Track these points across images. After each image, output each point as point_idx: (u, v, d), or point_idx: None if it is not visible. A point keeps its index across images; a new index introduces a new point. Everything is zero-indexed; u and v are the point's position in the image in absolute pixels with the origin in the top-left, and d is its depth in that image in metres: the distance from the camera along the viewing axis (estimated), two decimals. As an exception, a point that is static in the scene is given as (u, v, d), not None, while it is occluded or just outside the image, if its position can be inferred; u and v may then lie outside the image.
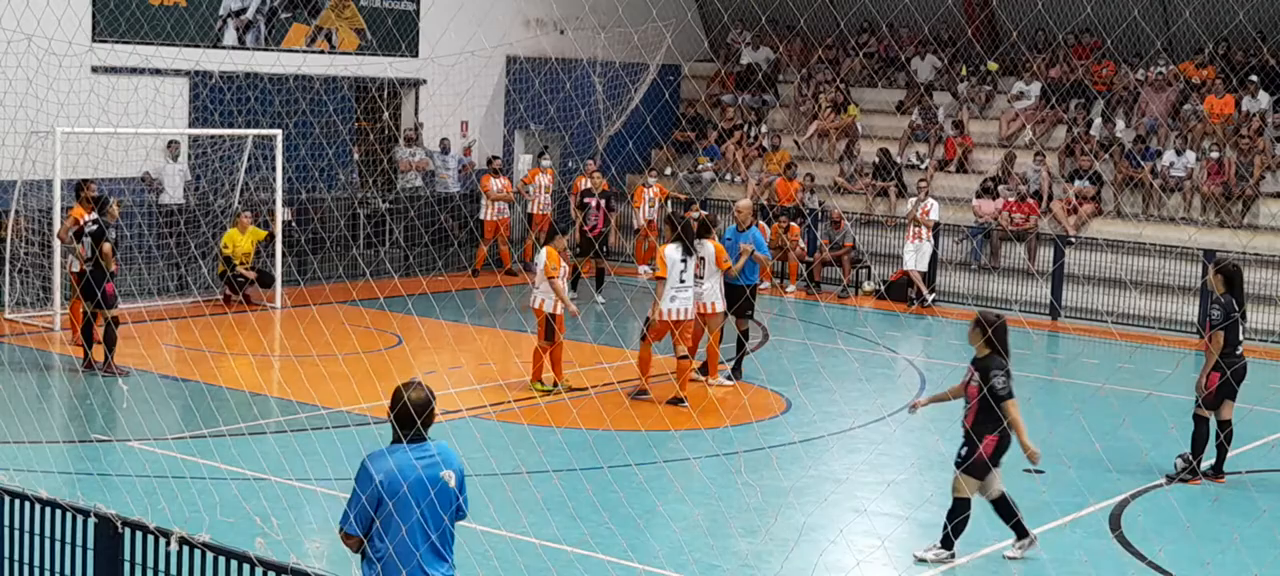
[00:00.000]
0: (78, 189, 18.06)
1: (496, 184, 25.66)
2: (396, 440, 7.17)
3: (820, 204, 26.85)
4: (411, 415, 7.11)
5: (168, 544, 7.57)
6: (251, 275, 21.64)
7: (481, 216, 25.76)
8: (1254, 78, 26.16)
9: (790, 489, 12.85)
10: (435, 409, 7.20)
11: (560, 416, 14.89)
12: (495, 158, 26.51)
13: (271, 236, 22.04)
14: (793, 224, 25.77)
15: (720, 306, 16.73)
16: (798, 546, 11.28)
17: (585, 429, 14.22)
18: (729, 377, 17.30)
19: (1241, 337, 13.58)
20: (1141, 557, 11.50)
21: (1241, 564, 11.33)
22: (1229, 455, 13.83)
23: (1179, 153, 25.45)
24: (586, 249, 23.73)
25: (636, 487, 12.30)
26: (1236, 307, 13.48)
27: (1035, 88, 28.33)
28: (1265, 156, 24.97)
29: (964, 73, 29.54)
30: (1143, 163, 25.50)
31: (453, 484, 7.21)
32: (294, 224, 23.50)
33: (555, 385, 16.27)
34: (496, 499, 11.48)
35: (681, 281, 16.00)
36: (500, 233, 25.81)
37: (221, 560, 7.39)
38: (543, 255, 16.23)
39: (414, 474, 7.10)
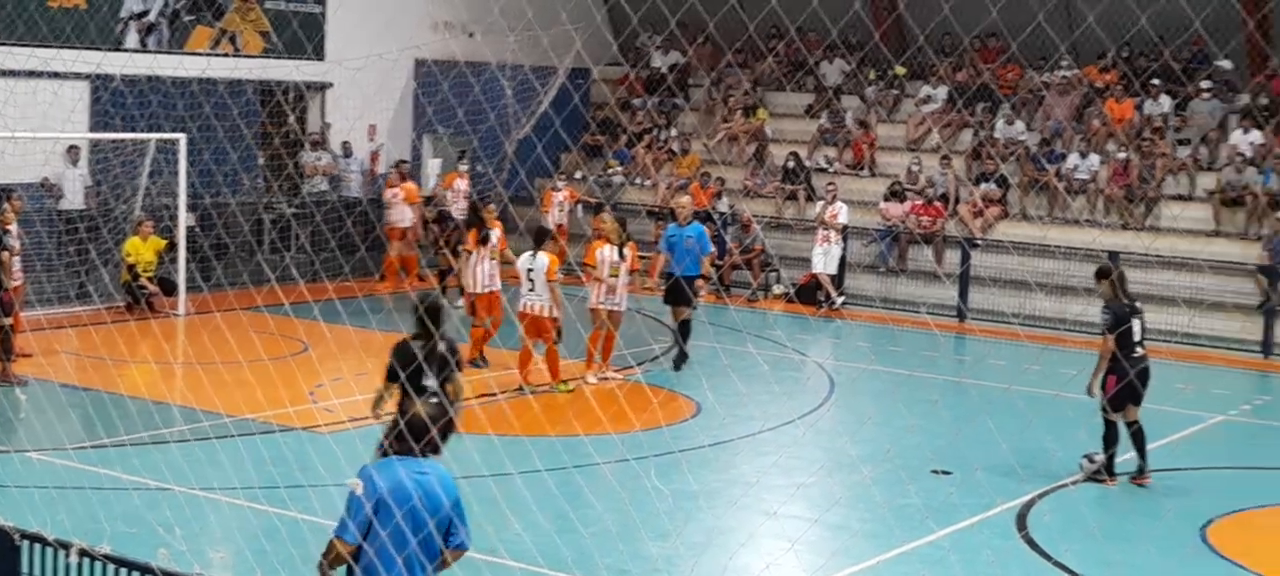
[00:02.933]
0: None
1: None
2: (398, 454, 7.04)
3: (730, 207, 26.90)
4: (415, 431, 6.99)
5: (67, 556, 7.40)
6: (154, 287, 21.34)
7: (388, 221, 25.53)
8: (1156, 81, 26.57)
9: (700, 492, 12.84)
10: (435, 430, 7.07)
11: (469, 423, 14.76)
12: (403, 161, 26.30)
13: (173, 244, 21.72)
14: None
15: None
16: (708, 550, 11.27)
17: (494, 435, 14.13)
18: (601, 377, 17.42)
19: (1139, 338, 13.62)
20: (1048, 557, 11.59)
21: (1146, 563, 11.47)
22: (1119, 457, 13.87)
23: (1083, 155, 25.79)
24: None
25: (547, 493, 12.22)
26: (1128, 310, 13.55)
27: (942, 91, 28.59)
28: (1167, 159, 25.37)
29: (872, 77, 29.76)
30: (1048, 165, 25.81)
31: (447, 508, 7.07)
32: (198, 229, 23.17)
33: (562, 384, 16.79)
34: (404, 506, 11.34)
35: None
36: (407, 238, 25.61)
37: (123, 571, 7.23)
38: (544, 260, 16.59)
39: (411, 491, 6.94)
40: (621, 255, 17.67)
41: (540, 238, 16.99)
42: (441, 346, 10.80)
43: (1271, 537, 12.91)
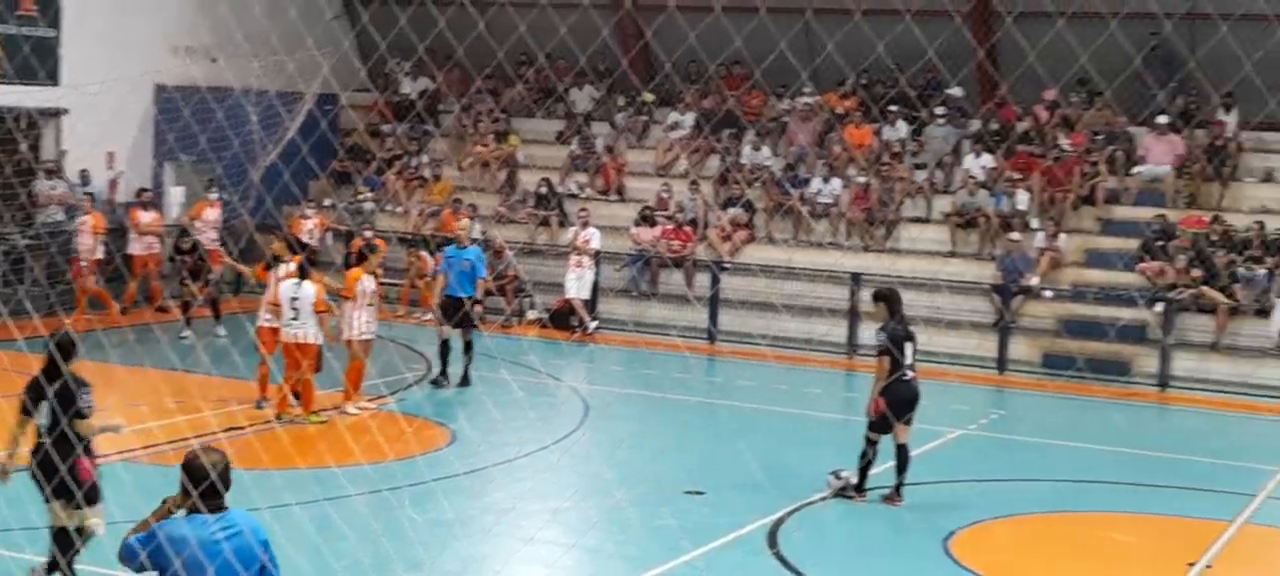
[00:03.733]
0: None
1: (146, 217, 24.69)
2: (192, 511, 6.65)
3: (483, 233, 26.82)
4: (213, 483, 6.59)
5: None
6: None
7: (129, 251, 24.69)
8: (893, 107, 27.47)
9: (456, 521, 12.75)
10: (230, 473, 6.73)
11: (216, 457, 14.37)
12: (145, 190, 25.51)
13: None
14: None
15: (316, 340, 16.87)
16: (464, 579, 11.19)
17: (242, 469, 13.75)
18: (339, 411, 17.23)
19: (908, 360, 13.86)
20: (798, 573, 11.83)
21: (889, 574, 11.80)
22: (874, 471, 14.22)
23: (825, 180, 26.50)
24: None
25: (297, 526, 11.97)
26: (902, 333, 13.85)
27: (689, 118, 29.04)
28: (905, 183, 26.23)
29: (621, 103, 30.05)
30: (792, 190, 26.43)
31: (262, 557, 6.75)
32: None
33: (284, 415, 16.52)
34: (148, 545, 10.96)
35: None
36: (150, 268, 24.84)
37: None
38: (310, 289, 16.35)
39: (221, 550, 6.55)
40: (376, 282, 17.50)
41: (304, 266, 16.71)
42: (71, 382, 10.36)
43: (1009, 547, 13.42)
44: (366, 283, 17.30)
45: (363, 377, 17.58)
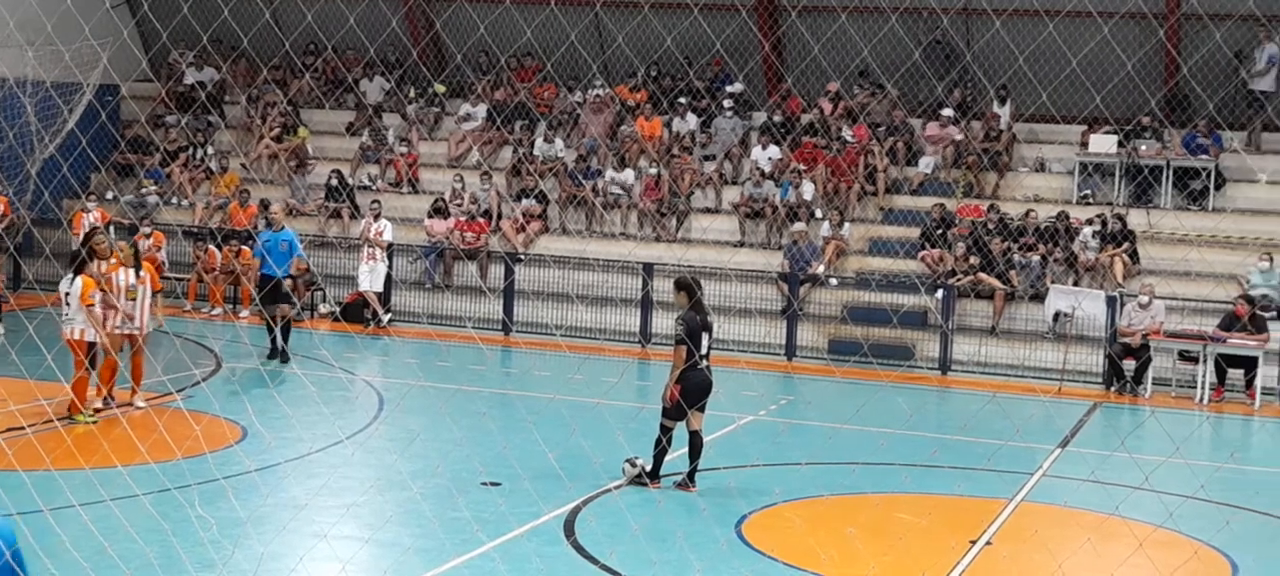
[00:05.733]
0: None
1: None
2: None
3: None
4: None
5: None
6: None
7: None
8: (682, 100, 27.82)
9: (248, 519, 12.55)
10: None
11: (-5, 459, 13.92)
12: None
13: None
14: (243, 248, 25.24)
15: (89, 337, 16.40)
16: (257, 577, 11.04)
17: (21, 470, 13.36)
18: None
19: (705, 350, 14.02)
20: (595, 561, 11.94)
21: (684, 560, 11.99)
22: (669, 458, 14.44)
23: (617, 171, 26.72)
24: None
25: (82, 530, 11.67)
26: (699, 322, 14.06)
27: (481, 109, 28.99)
28: (695, 174, 26.60)
29: (412, 95, 29.86)
30: (584, 181, 26.59)
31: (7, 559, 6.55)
32: None
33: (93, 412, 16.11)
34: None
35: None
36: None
37: None
38: (79, 283, 16.07)
39: None
40: (138, 275, 16.91)
41: (78, 260, 16.35)
42: None
43: (800, 530, 13.73)
44: (120, 277, 16.69)
45: (142, 374, 17.11)
